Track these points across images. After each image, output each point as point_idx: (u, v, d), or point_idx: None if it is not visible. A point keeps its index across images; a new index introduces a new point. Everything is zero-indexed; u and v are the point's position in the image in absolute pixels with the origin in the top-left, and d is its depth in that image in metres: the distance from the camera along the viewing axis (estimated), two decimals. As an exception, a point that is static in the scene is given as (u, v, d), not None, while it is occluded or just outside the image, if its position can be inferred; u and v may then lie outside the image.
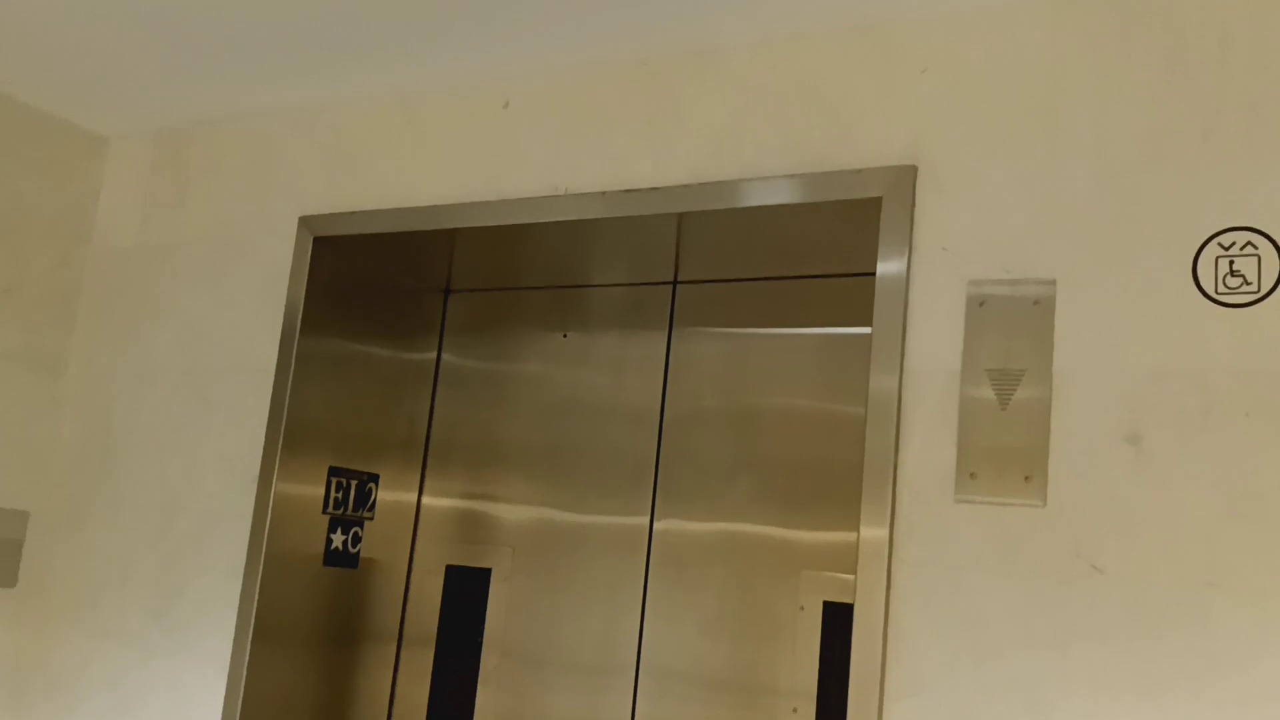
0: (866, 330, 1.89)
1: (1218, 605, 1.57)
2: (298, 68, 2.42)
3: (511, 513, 2.62)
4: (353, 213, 2.46)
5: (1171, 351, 1.66)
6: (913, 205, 1.89)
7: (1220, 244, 1.66)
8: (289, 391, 2.44)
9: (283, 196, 2.59)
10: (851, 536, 2.14)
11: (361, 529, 2.61)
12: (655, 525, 2.42)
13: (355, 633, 2.61)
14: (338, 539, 2.56)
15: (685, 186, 2.09)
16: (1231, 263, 1.65)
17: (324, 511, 2.53)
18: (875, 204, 1.91)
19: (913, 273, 1.87)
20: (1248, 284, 1.63)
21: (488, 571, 2.62)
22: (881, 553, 1.79)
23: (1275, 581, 1.54)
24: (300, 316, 2.47)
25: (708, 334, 2.46)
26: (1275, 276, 1.62)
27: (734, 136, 2.08)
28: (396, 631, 2.70)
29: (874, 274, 1.89)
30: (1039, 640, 1.66)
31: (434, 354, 2.79)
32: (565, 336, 2.63)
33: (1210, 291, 1.65)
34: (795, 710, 2.19)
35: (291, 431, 2.45)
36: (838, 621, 2.18)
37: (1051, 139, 1.81)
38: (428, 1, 2.09)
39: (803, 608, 2.22)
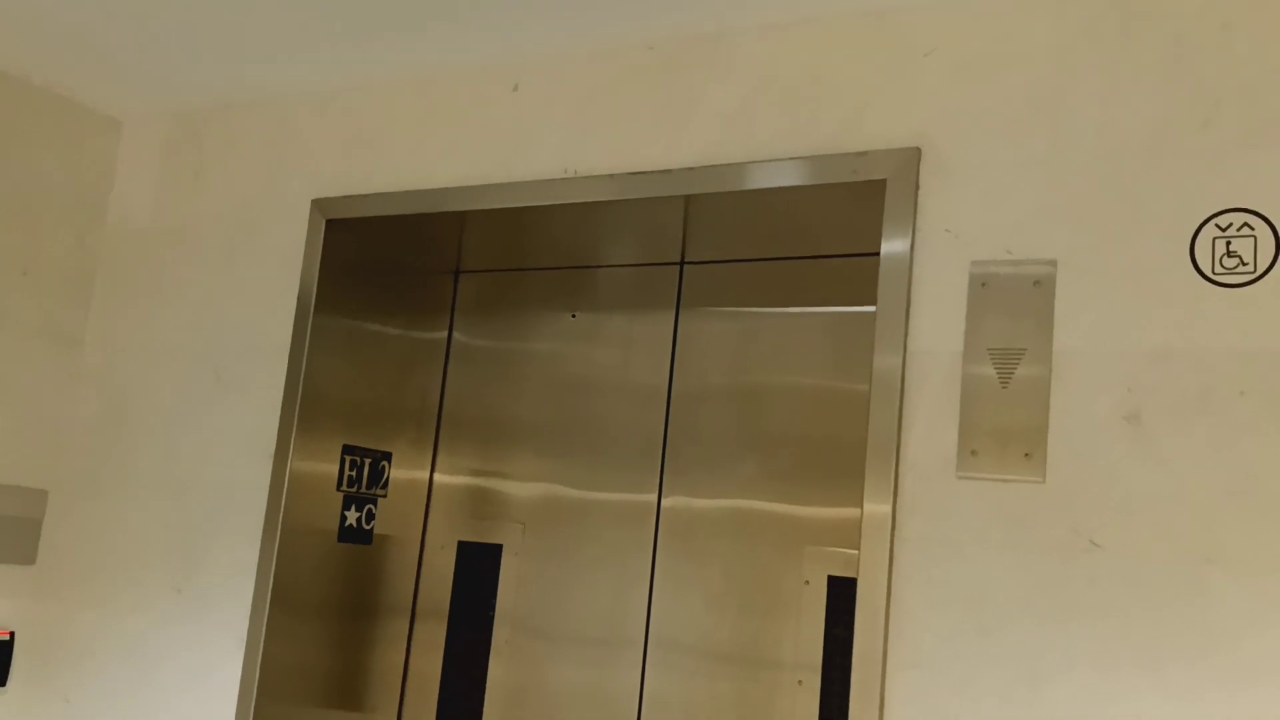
0: (871, 309, 1.92)
1: (1214, 581, 1.60)
2: (311, 51, 2.45)
3: (522, 489, 2.66)
4: (365, 195, 2.49)
5: (1170, 331, 1.69)
6: (916, 187, 1.91)
7: (1218, 225, 1.69)
8: (303, 370, 2.48)
9: (296, 179, 2.63)
10: (856, 512, 2.18)
11: (375, 506, 2.65)
12: (663, 501, 2.46)
13: (370, 606, 2.66)
14: (351, 516, 2.60)
15: (693, 169, 2.12)
16: (1229, 244, 1.67)
17: (338, 489, 2.57)
18: (880, 186, 1.94)
19: (916, 254, 1.90)
20: (1244, 265, 1.66)
21: (499, 547, 2.66)
22: (884, 528, 1.82)
23: (1271, 557, 1.58)
24: (314, 297, 2.51)
25: (715, 313, 2.49)
26: (1271, 257, 1.65)
27: (742, 120, 2.11)
28: (410, 605, 2.74)
29: (879, 254, 1.92)
30: (1039, 614, 1.70)
31: (445, 333, 2.83)
32: (574, 316, 2.67)
33: (1208, 272, 1.68)
34: (800, 683, 2.23)
35: (306, 409, 2.49)
36: (842, 596, 2.22)
37: (1053, 123, 1.84)
38: (438, -14, 2.12)
39: (808, 582, 2.26)
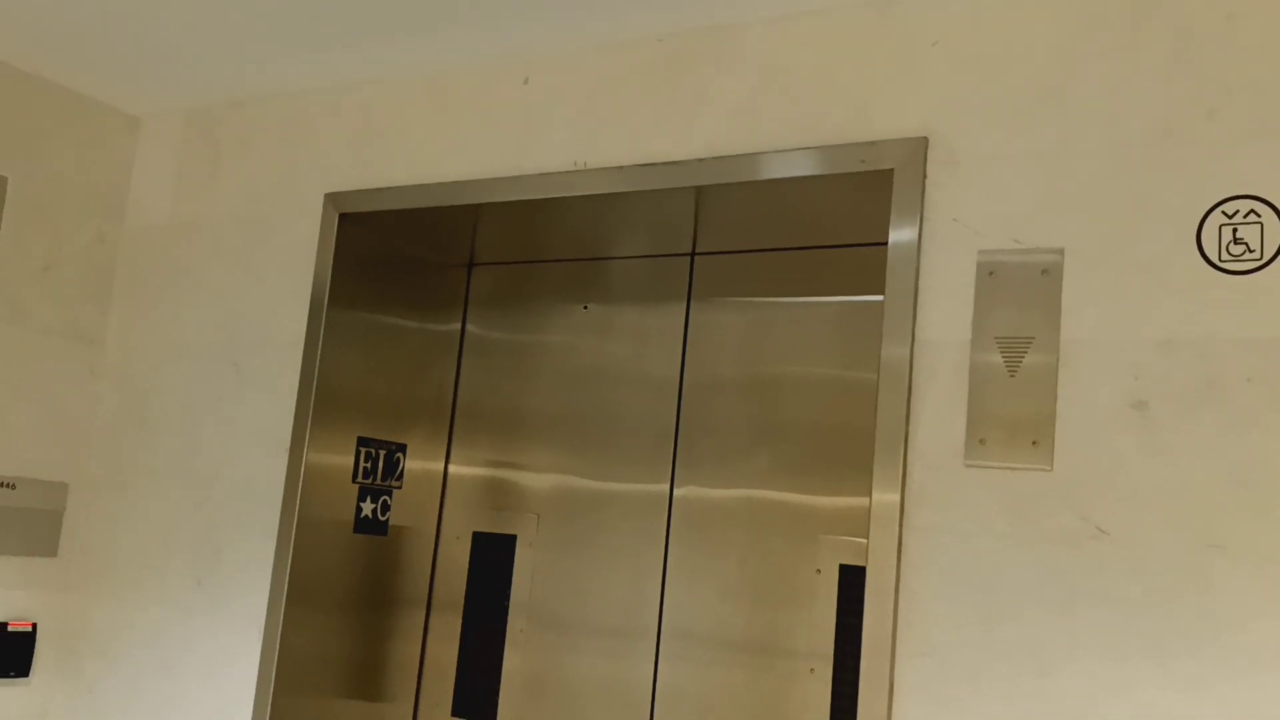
0: (880, 298, 1.93)
1: (1220, 568, 1.61)
2: (324, 48, 2.46)
3: (536, 480, 2.68)
4: (378, 189, 2.51)
5: (1177, 319, 1.69)
6: (924, 177, 1.92)
7: (1224, 212, 1.68)
8: (318, 364, 2.51)
9: (310, 174, 2.65)
10: (867, 501, 2.18)
11: (390, 497, 2.68)
12: (675, 492, 2.47)
13: (386, 597, 2.68)
14: (367, 507, 2.63)
15: (702, 161, 2.13)
16: (1235, 231, 1.67)
17: (354, 481, 2.60)
18: (887, 176, 1.95)
19: (924, 243, 1.90)
20: (1251, 251, 1.66)
21: (513, 538, 2.68)
22: (893, 517, 1.83)
23: (1276, 545, 1.58)
24: (328, 291, 2.53)
25: (726, 304, 2.50)
26: (1278, 244, 1.64)
27: (750, 112, 2.11)
28: (426, 596, 2.77)
29: (887, 244, 1.92)
30: (1046, 602, 1.71)
31: (459, 326, 2.85)
32: (586, 308, 2.68)
33: (1215, 259, 1.68)
34: (812, 671, 2.24)
35: (321, 402, 2.52)
36: (854, 584, 2.22)
37: (1060, 114, 1.84)
38: (448, -19, 2.14)
39: (819, 571, 2.27)
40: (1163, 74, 1.77)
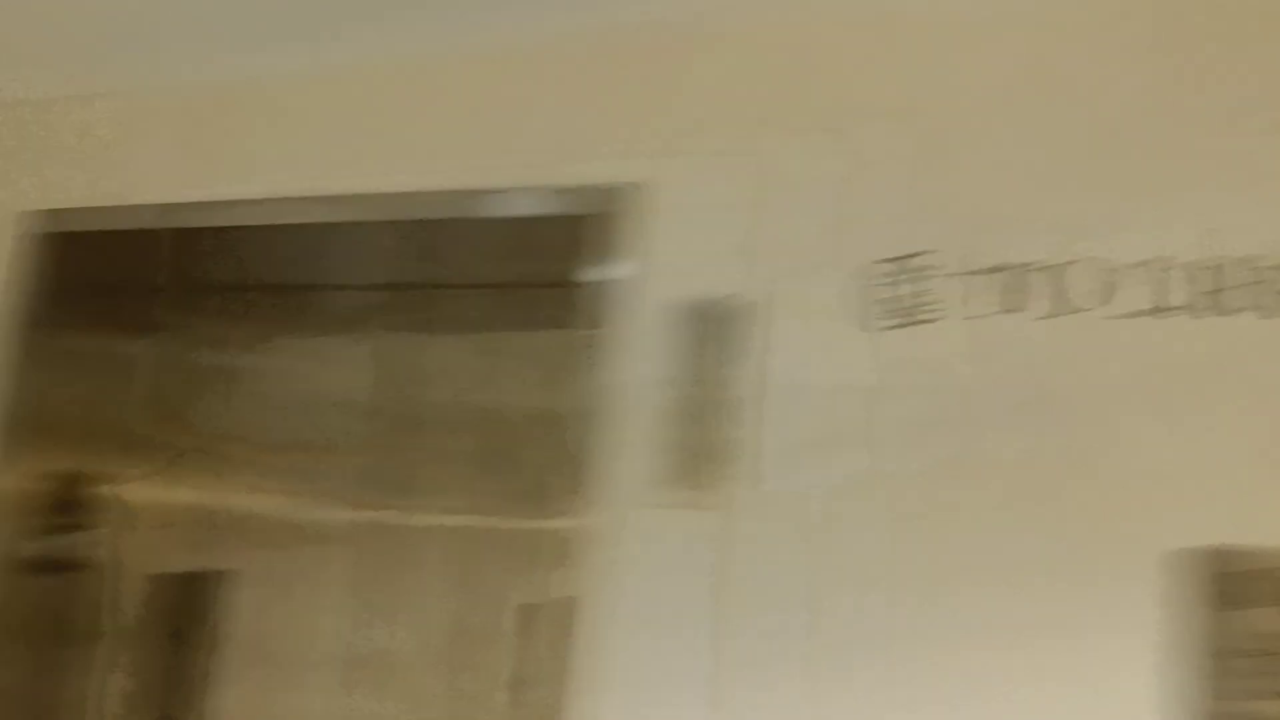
0: (588, 333, 2.00)
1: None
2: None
3: (243, 511, 2.61)
4: (77, 209, 2.43)
5: (842, 368, 1.83)
6: (632, 221, 1.99)
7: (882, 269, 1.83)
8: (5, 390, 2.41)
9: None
10: (565, 535, 2.25)
11: (80, 530, 2.58)
12: (378, 520, 2.46)
13: (75, 634, 2.57)
14: (53, 540, 2.53)
15: (411, 194, 2.16)
16: (895, 286, 1.82)
17: (40, 513, 2.51)
18: (599, 219, 2.02)
19: (629, 283, 1.97)
20: (907, 308, 1.81)
21: (217, 573, 2.60)
22: (589, 551, 1.90)
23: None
24: (20, 316, 2.43)
25: (446, 340, 2.51)
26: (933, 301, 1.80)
27: (464, 151, 2.16)
28: (117, 632, 2.64)
29: (595, 281, 2.00)
30: (723, 634, 1.80)
31: (160, 350, 2.73)
32: (302, 337, 2.64)
33: (872, 318, 1.83)
34: (508, 701, 2.27)
35: (10, 431, 2.42)
36: (544, 620, 2.26)
37: (756, 166, 1.95)
38: None
39: (520, 603, 2.31)
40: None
